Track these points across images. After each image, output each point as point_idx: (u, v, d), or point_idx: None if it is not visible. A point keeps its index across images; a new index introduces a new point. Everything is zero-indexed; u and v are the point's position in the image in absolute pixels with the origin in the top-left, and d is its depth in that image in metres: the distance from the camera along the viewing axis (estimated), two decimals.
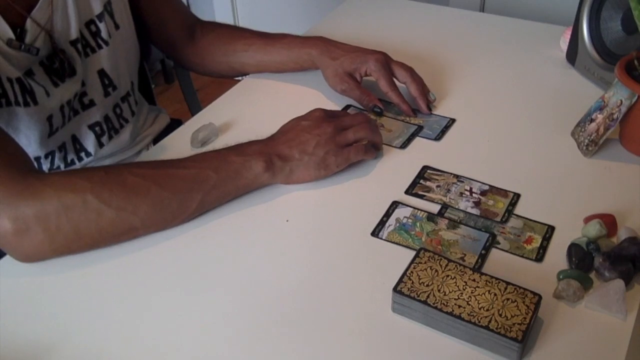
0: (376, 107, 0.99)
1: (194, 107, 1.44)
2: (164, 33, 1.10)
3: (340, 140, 0.84)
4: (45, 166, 0.94)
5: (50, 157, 0.93)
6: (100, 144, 1.00)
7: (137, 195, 0.73)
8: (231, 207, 0.81)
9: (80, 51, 0.93)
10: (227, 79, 1.25)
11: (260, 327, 0.66)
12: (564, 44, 1.13)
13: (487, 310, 0.63)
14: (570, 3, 1.15)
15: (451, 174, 0.87)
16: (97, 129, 0.99)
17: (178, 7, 1.11)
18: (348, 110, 1.01)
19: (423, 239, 0.76)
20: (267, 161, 0.80)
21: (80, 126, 0.97)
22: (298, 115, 0.87)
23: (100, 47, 0.95)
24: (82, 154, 0.98)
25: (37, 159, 0.92)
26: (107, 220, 0.72)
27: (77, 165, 0.98)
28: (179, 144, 0.95)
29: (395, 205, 0.81)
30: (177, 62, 1.19)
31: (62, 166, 0.96)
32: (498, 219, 0.79)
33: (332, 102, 1.03)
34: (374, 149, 0.89)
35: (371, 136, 0.88)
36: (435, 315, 0.64)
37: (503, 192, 0.83)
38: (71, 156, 0.97)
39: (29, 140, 0.89)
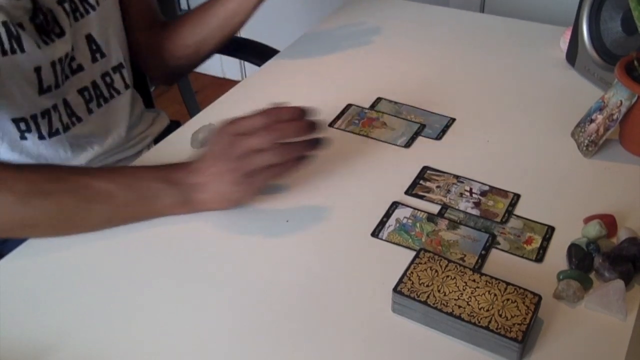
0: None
1: (193, 109, 1.44)
2: (131, 36, 1.10)
3: (246, 168, 0.75)
4: (44, 127, 0.93)
5: (47, 117, 0.93)
6: (89, 110, 1.01)
7: (46, 195, 0.74)
8: None
9: (67, 12, 0.93)
10: (224, 80, 1.25)
11: (259, 327, 0.66)
12: (564, 44, 1.13)
13: (487, 310, 0.63)
14: (570, 3, 1.14)
15: (451, 174, 0.87)
16: (85, 93, 1.00)
17: (147, 6, 1.12)
18: (349, 110, 1.01)
19: (423, 240, 0.76)
20: (176, 194, 0.77)
21: (71, 90, 0.98)
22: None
23: (87, 11, 0.97)
24: (74, 119, 0.99)
25: (34, 117, 0.92)
26: (9, 212, 0.73)
27: (73, 129, 0.99)
28: (179, 145, 0.95)
29: (395, 205, 0.81)
30: (148, 71, 1.20)
31: (60, 129, 0.96)
32: (498, 219, 0.79)
33: (333, 102, 1.03)
34: (300, 158, 0.76)
35: (280, 158, 0.74)
36: (435, 316, 0.64)
37: (503, 193, 0.83)
38: (65, 119, 0.97)
39: (14, 94, 0.88)
